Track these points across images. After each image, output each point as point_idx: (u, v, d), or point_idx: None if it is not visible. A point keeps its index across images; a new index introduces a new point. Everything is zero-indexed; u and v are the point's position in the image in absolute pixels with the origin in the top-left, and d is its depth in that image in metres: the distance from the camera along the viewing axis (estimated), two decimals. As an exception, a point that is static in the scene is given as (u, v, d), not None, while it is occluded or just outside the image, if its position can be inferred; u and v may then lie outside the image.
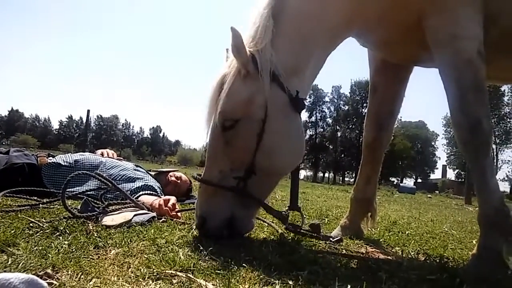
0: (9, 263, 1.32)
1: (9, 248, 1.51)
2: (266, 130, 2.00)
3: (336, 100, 78.68)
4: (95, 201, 2.60)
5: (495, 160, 51.91)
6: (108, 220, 2.22)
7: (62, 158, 3.53)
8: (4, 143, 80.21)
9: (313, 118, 77.60)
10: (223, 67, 2.18)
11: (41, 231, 1.83)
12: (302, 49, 2.12)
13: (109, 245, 1.73)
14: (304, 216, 2.43)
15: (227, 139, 2.05)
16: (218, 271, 1.46)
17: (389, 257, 2.07)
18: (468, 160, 2.02)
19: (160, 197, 2.96)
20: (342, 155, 76.08)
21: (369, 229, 2.85)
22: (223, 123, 2.03)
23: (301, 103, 2.10)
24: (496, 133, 52.36)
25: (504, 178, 59.60)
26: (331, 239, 2.26)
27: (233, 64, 2.09)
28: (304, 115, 73.23)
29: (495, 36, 2.12)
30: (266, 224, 2.59)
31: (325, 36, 2.18)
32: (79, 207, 2.40)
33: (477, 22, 2.01)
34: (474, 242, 2.07)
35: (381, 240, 2.73)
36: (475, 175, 1.99)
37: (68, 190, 2.65)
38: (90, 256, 1.53)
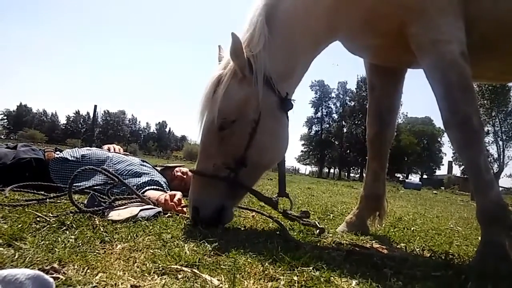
0: (16, 257, 1.33)
1: (16, 242, 1.52)
2: (258, 129, 2.20)
3: (342, 96, 78.44)
4: (101, 196, 2.62)
5: (501, 157, 51.44)
6: (115, 215, 2.23)
7: (69, 153, 3.55)
8: (12, 137, 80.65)
9: (319, 114, 77.49)
10: (217, 67, 2.33)
11: (48, 226, 1.85)
12: (291, 56, 2.30)
13: (115, 239, 1.74)
14: (293, 201, 2.72)
15: (222, 137, 2.22)
16: (223, 267, 1.47)
17: (394, 254, 2.06)
18: (462, 158, 2.04)
19: (166, 192, 2.97)
20: (348, 151, 75.87)
21: (376, 227, 2.84)
22: (221, 123, 2.19)
23: (290, 104, 2.31)
24: (503, 129, 51.81)
25: (510, 174, 59.12)
26: (316, 228, 2.43)
27: (229, 66, 2.23)
28: (310, 111, 73.39)
29: (477, 39, 2.18)
30: (272, 220, 2.60)
31: (309, 43, 2.34)
32: (85, 202, 2.42)
33: (457, 27, 2.09)
34: (479, 238, 2.06)
35: (386, 236, 2.73)
36: (470, 172, 2.01)
37: (75, 184, 2.67)
38: (96, 251, 1.54)
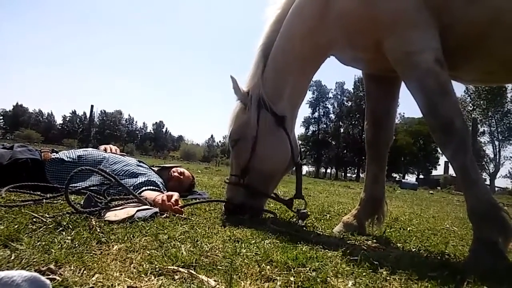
0: (12, 258, 1.33)
1: (12, 243, 1.52)
2: (257, 144, 2.73)
3: (339, 96, 78.71)
4: (98, 196, 2.61)
5: (497, 157, 51.62)
6: (111, 215, 2.23)
7: (65, 154, 3.54)
8: (8, 137, 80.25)
9: (316, 114, 77.64)
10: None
11: (44, 226, 1.84)
12: (278, 78, 2.76)
13: (112, 240, 1.74)
14: (307, 203, 3.15)
15: (235, 153, 2.88)
16: (220, 267, 1.47)
17: (390, 254, 2.07)
18: (449, 160, 2.08)
19: (163, 193, 2.97)
20: (345, 151, 76.04)
21: (373, 230, 2.84)
22: (230, 143, 2.89)
23: (282, 120, 2.75)
24: (499, 129, 52.00)
25: (506, 175, 59.29)
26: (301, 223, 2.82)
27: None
28: (307, 111, 73.68)
29: (455, 44, 2.25)
30: (269, 221, 2.60)
31: (296, 64, 2.72)
32: (82, 203, 2.41)
33: (430, 36, 2.17)
34: (475, 238, 2.06)
35: (382, 236, 2.74)
36: (458, 173, 2.05)
37: (71, 185, 2.66)
38: (93, 252, 1.54)
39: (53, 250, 1.47)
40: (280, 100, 2.76)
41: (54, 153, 3.58)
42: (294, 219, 2.88)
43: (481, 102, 50.57)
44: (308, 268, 1.53)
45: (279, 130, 2.75)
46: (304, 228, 2.66)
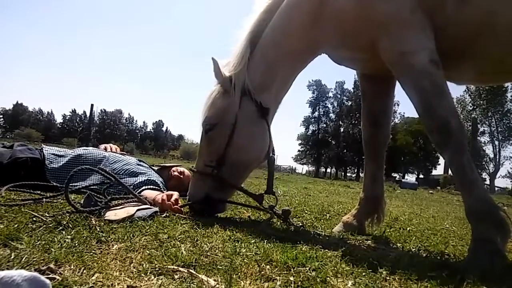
0: (12, 257, 1.33)
1: (12, 242, 1.52)
2: (235, 132, 2.60)
3: (339, 96, 78.64)
4: (98, 195, 2.61)
5: (497, 157, 51.65)
6: (111, 214, 2.23)
7: (57, 150, 3.60)
8: (8, 136, 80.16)
9: (316, 114, 77.63)
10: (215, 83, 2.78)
11: (44, 226, 1.84)
12: (267, 70, 2.65)
13: (112, 239, 1.74)
14: (278, 199, 3.07)
15: (208, 139, 2.71)
16: (220, 267, 1.47)
17: (390, 254, 2.07)
18: (446, 160, 2.08)
19: (163, 192, 2.97)
20: (345, 151, 76.02)
21: (373, 229, 2.84)
22: (205, 127, 2.71)
23: (266, 111, 2.66)
24: (499, 129, 52.03)
25: (506, 175, 59.36)
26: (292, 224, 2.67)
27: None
28: (307, 110, 73.68)
29: (449, 44, 2.26)
30: (269, 220, 2.60)
31: (287, 59, 2.66)
32: (82, 202, 2.41)
33: (424, 36, 2.18)
34: (474, 238, 2.07)
35: (382, 236, 2.74)
36: (455, 173, 2.05)
37: (71, 184, 2.66)
38: (93, 251, 1.54)
39: (53, 250, 1.47)
40: (266, 92, 2.67)
41: (47, 149, 3.59)
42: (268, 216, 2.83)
43: (481, 102, 50.64)
44: (307, 268, 1.54)
45: (261, 121, 2.66)
46: (304, 228, 2.66)
